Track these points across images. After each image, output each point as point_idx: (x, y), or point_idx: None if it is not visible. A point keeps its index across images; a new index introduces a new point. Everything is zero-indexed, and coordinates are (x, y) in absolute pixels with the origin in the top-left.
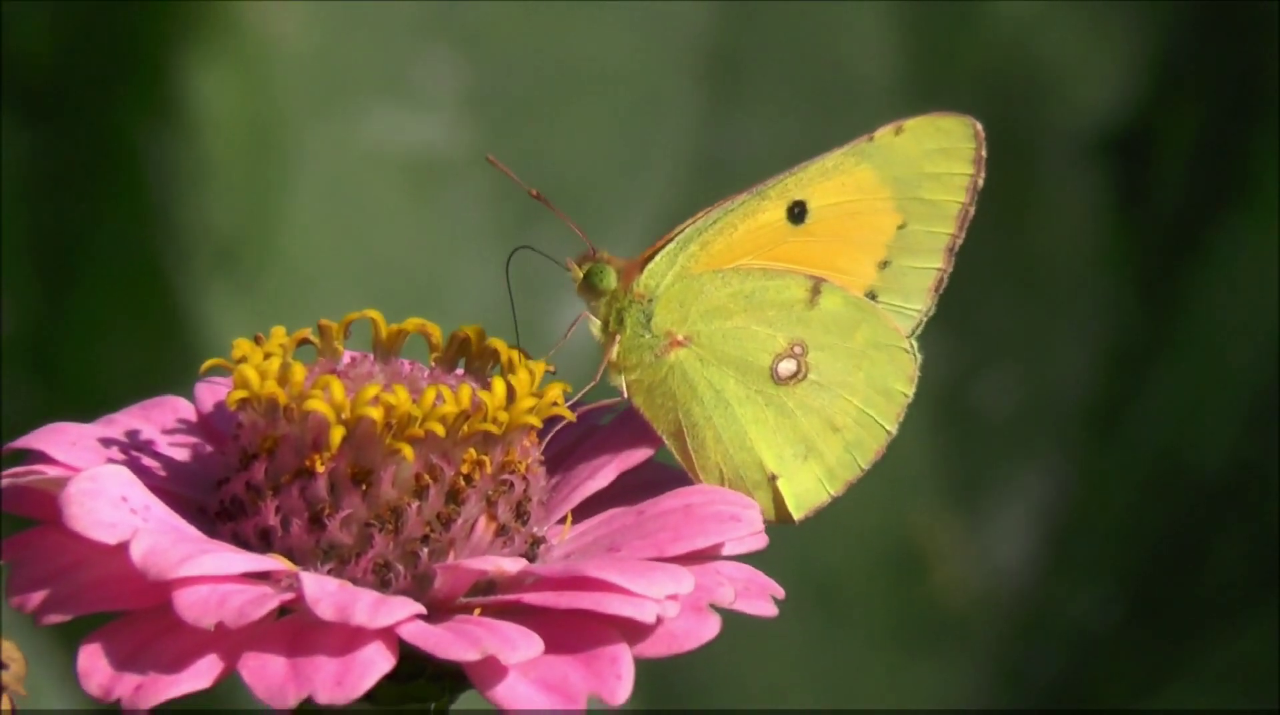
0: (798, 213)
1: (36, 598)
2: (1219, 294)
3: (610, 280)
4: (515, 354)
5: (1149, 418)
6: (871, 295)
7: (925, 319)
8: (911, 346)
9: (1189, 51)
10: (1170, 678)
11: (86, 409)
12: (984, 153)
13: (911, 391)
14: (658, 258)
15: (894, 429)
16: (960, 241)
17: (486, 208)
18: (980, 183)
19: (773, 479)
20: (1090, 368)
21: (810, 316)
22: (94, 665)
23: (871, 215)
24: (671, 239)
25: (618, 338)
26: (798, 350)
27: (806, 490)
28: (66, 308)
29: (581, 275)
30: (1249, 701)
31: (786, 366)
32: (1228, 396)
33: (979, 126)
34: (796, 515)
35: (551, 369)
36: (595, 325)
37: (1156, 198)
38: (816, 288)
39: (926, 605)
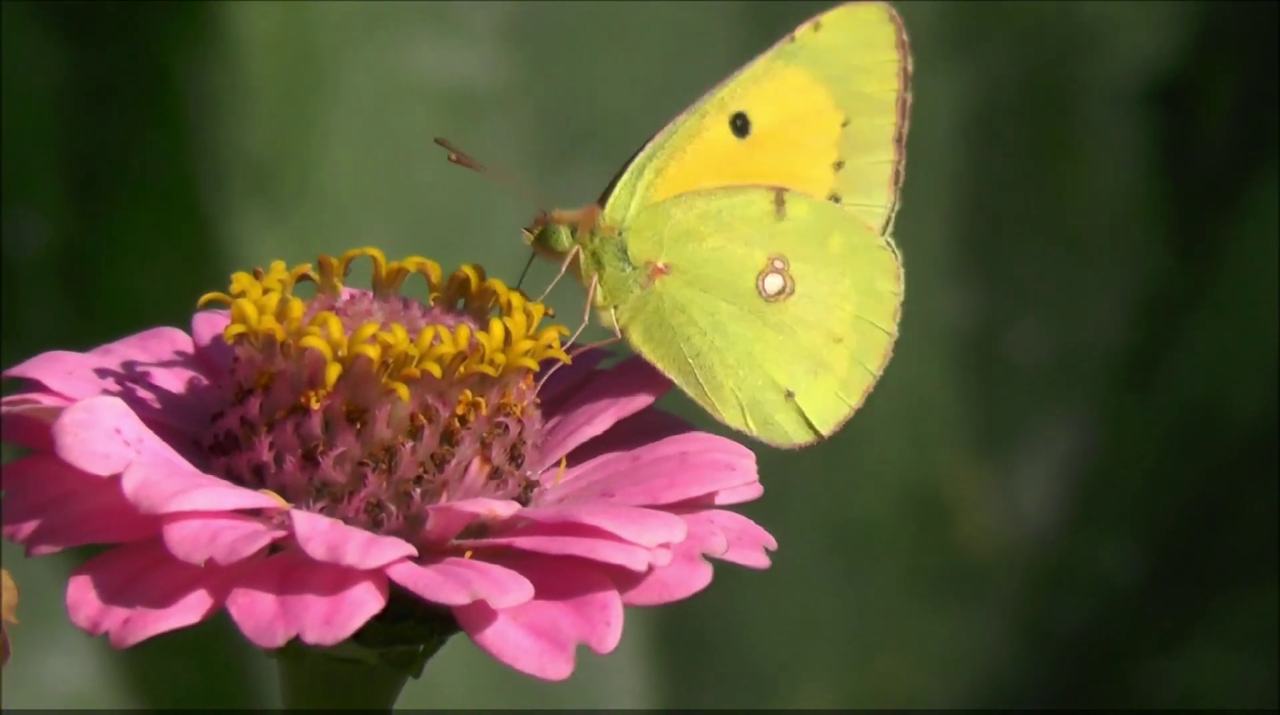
0: (740, 125)
1: (28, 528)
2: (1254, 249)
3: (562, 239)
4: (514, 296)
5: (1180, 371)
6: (834, 198)
7: (892, 214)
8: (889, 243)
9: (1232, 5)
10: (1194, 633)
11: (117, 329)
12: (905, 37)
13: (900, 289)
14: (616, 189)
15: (893, 329)
16: (906, 130)
17: (525, 141)
18: (910, 68)
19: (790, 396)
20: (1122, 320)
21: (782, 228)
22: (83, 597)
23: (814, 117)
24: (624, 171)
25: (598, 279)
26: (779, 265)
27: (826, 404)
28: (99, 227)
29: (534, 239)
30: (1273, 658)
31: (773, 282)
32: (1259, 352)
33: (894, 11)
34: (824, 430)
35: (550, 312)
36: (582, 263)
37: (1195, 151)
38: (780, 198)
39: (951, 554)
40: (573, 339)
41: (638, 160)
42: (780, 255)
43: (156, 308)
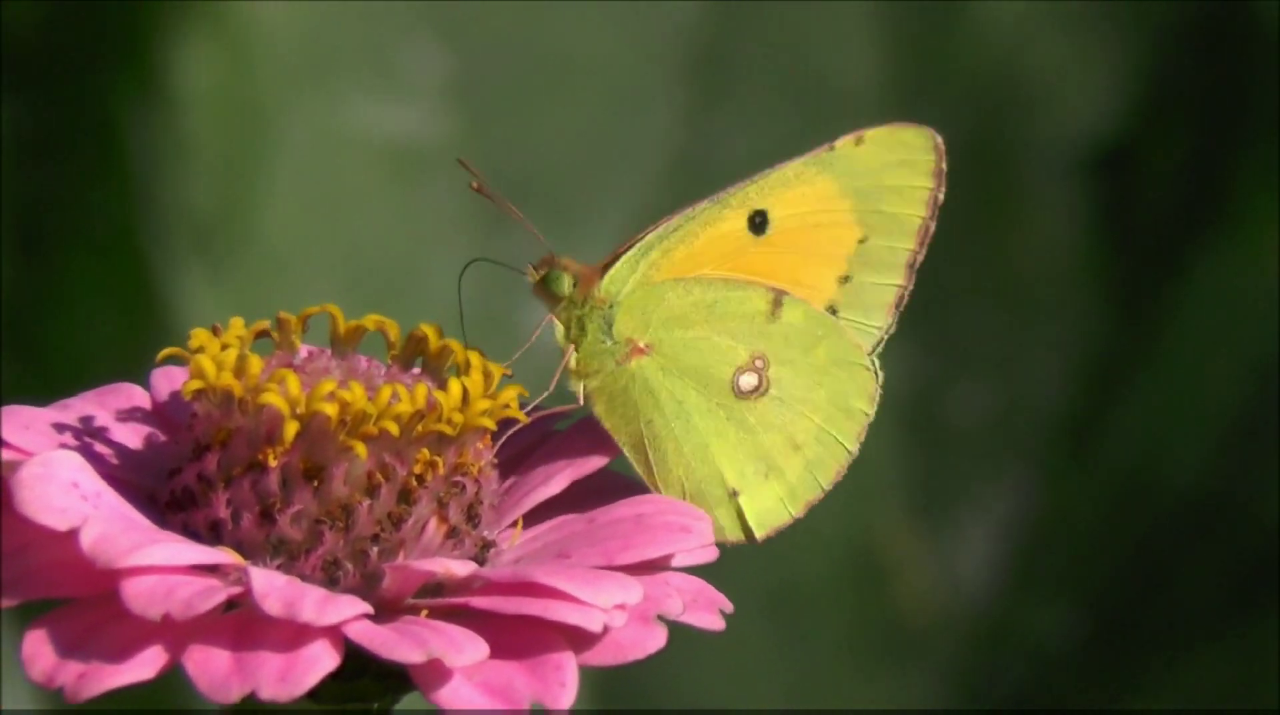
0: (759, 222)
1: None
2: (1196, 315)
3: (564, 286)
4: (472, 355)
5: (1120, 436)
6: (832, 310)
7: (885, 337)
8: (873, 364)
9: (1175, 70)
10: (1132, 697)
11: (58, 382)
12: (944, 166)
13: (873, 410)
14: (619, 263)
15: (855, 449)
16: (921, 258)
17: (464, 198)
18: (941, 197)
19: (734, 495)
20: (1063, 384)
21: (772, 330)
22: (39, 651)
23: (833, 228)
24: (633, 245)
25: (576, 345)
26: (759, 364)
27: (768, 509)
28: (42, 280)
29: (537, 279)
30: None
31: (748, 380)
32: (1200, 418)
33: (939, 139)
34: (759, 533)
35: (509, 372)
36: (559, 330)
37: (1138, 215)
38: (778, 301)
39: (889, 616)
40: (535, 403)
41: (648, 238)
42: (763, 355)
43: (99, 360)
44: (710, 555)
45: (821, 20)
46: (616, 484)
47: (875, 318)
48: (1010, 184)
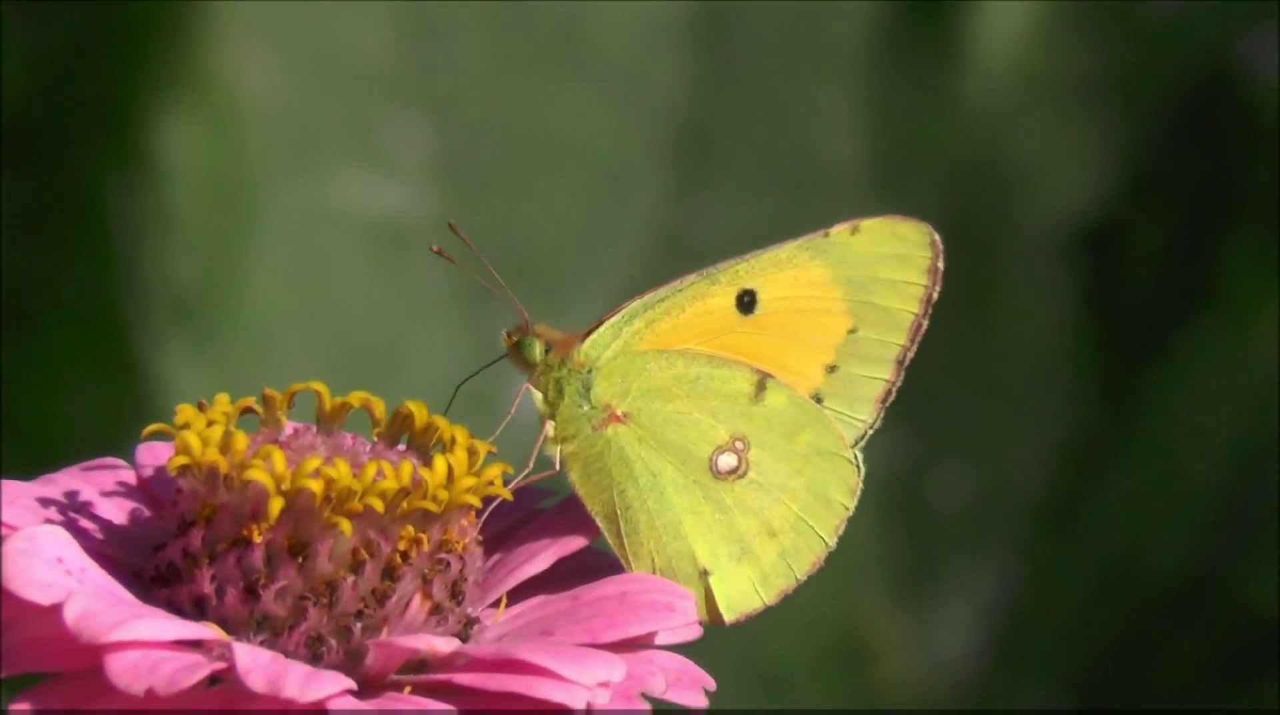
0: (747, 302)
1: None
2: (1180, 398)
3: (535, 352)
4: (458, 431)
5: (1103, 519)
6: (817, 398)
7: (870, 431)
8: (855, 457)
9: (1160, 154)
10: None
11: (38, 456)
12: (940, 265)
13: (852, 504)
14: (602, 328)
15: (832, 542)
16: (911, 355)
17: (448, 276)
18: (935, 295)
19: (704, 574)
20: (1046, 466)
21: (754, 412)
22: None
23: (821, 315)
24: (617, 312)
25: (554, 408)
26: (739, 445)
27: (739, 592)
28: (23, 353)
29: (510, 345)
30: None
31: (727, 461)
32: (1183, 500)
33: (936, 237)
34: (727, 617)
35: (494, 450)
36: (537, 397)
37: (1122, 299)
38: (762, 383)
39: (871, 698)
40: (519, 479)
41: (633, 306)
42: (743, 436)
43: (79, 434)
44: (694, 633)
45: (807, 101)
46: (601, 562)
47: (860, 411)
48: (994, 265)
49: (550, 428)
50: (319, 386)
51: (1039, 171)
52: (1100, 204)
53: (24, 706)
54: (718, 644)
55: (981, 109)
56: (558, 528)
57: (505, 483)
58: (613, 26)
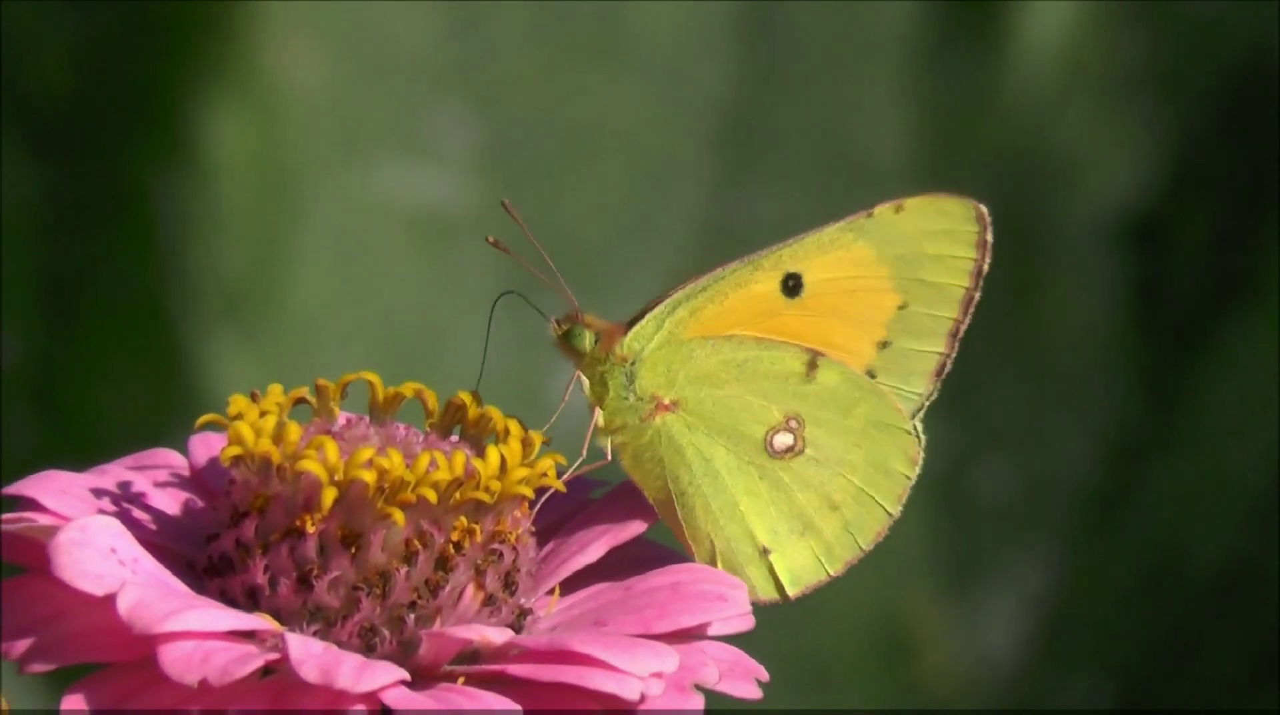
0: (792, 286)
1: (21, 646)
2: (1224, 390)
3: (585, 342)
4: (511, 423)
5: (1147, 511)
6: (871, 375)
7: (927, 403)
8: (914, 428)
9: (1206, 146)
10: None
11: (85, 448)
12: (989, 237)
13: (914, 473)
14: (644, 320)
15: (896, 510)
16: (965, 327)
17: (494, 267)
18: (985, 267)
19: (765, 553)
20: (1091, 458)
21: (807, 391)
22: None
23: (869, 293)
24: (659, 302)
25: (600, 401)
26: (794, 424)
27: (803, 567)
28: (70, 346)
29: (560, 334)
30: None
31: (782, 440)
32: (1227, 493)
33: (983, 209)
34: (792, 591)
35: (547, 440)
36: (586, 386)
37: (1166, 291)
38: (814, 362)
39: (915, 690)
40: (572, 470)
41: (676, 296)
42: (798, 415)
43: (125, 427)
44: (747, 624)
45: (852, 92)
46: (653, 552)
47: (916, 384)
48: (1038, 258)
49: (599, 417)
50: (372, 377)
51: (1083, 164)
52: (1144, 196)
53: (76, 697)
54: (763, 636)
55: (1026, 102)
56: (609, 518)
57: (558, 474)
58: (658, 18)
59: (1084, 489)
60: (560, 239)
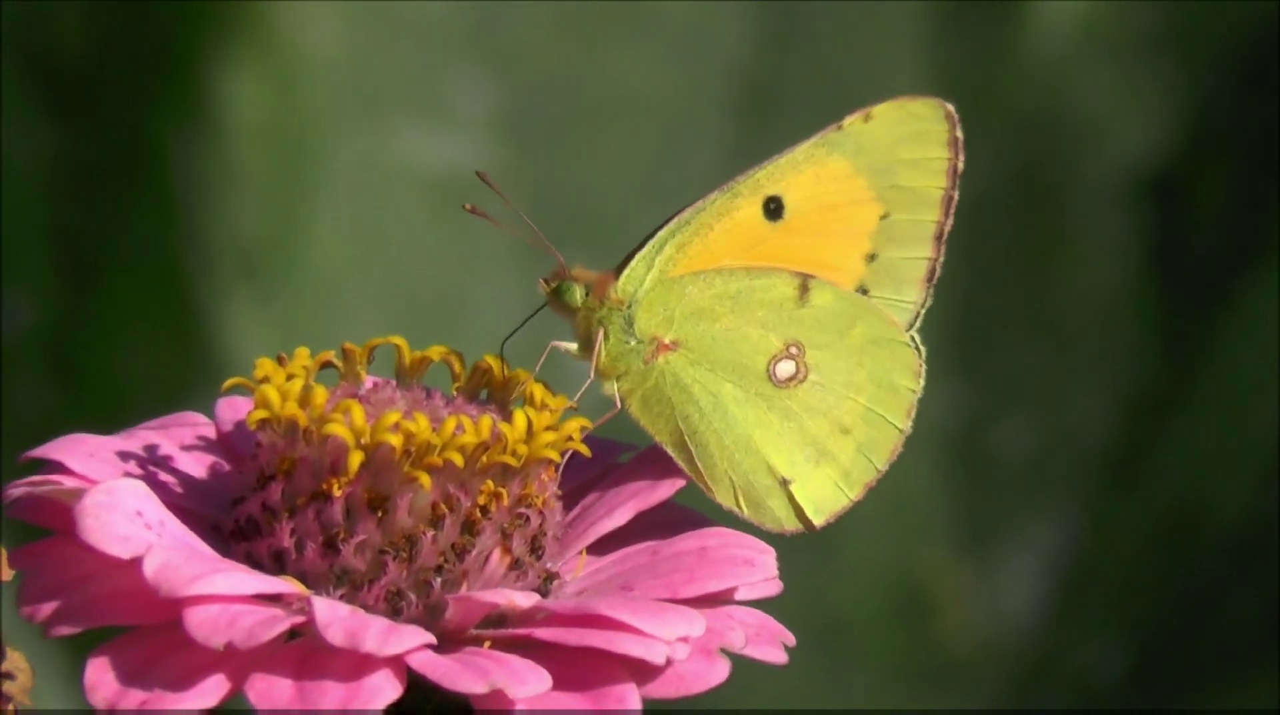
0: (774, 208)
1: (47, 609)
2: (1242, 348)
3: (575, 296)
4: (537, 387)
5: (1165, 469)
6: (863, 290)
7: (922, 311)
8: (913, 340)
9: (1224, 105)
10: None
11: (103, 411)
12: (959, 134)
13: (919, 386)
14: (634, 262)
15: (906, 426)
16: (948, 228)
17: (511, 230)
18: (960, 166)
19: (785, 483)
20: (1108, 417)
21: (802, 315)
22: (101, 679)
23: (850, 206)
24: (646, 243)
25: (601, 350)
26: (794, 351)
27: (824, 494)
28: (87, 308)
29: (549, 291)
30: None
31: (785, 368)
32: (1245, 451)
33: (950, 108)
34: (817, 520)
35: (574, 405)
36: (570, 346)
37: (1185, 249)
38: (805, 285)
39: (933, 649)
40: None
41: (660, 234)
42: (797, 341)
43: (143, 389)
44: (774, 589)
45: (869, 56)
46: (680, 517)
47: (908, 293)
48: (1057, 218)
49: (601, 356)
50: (399, 341)
51: (1102, 124)
52: (1162, 156)
53: (102, 660)
54: (782, 596)
55: (1044, 62)
56: (636, 482)
57: (584, 437)
58: None
59: (1102, 448)
60: (577, 201)
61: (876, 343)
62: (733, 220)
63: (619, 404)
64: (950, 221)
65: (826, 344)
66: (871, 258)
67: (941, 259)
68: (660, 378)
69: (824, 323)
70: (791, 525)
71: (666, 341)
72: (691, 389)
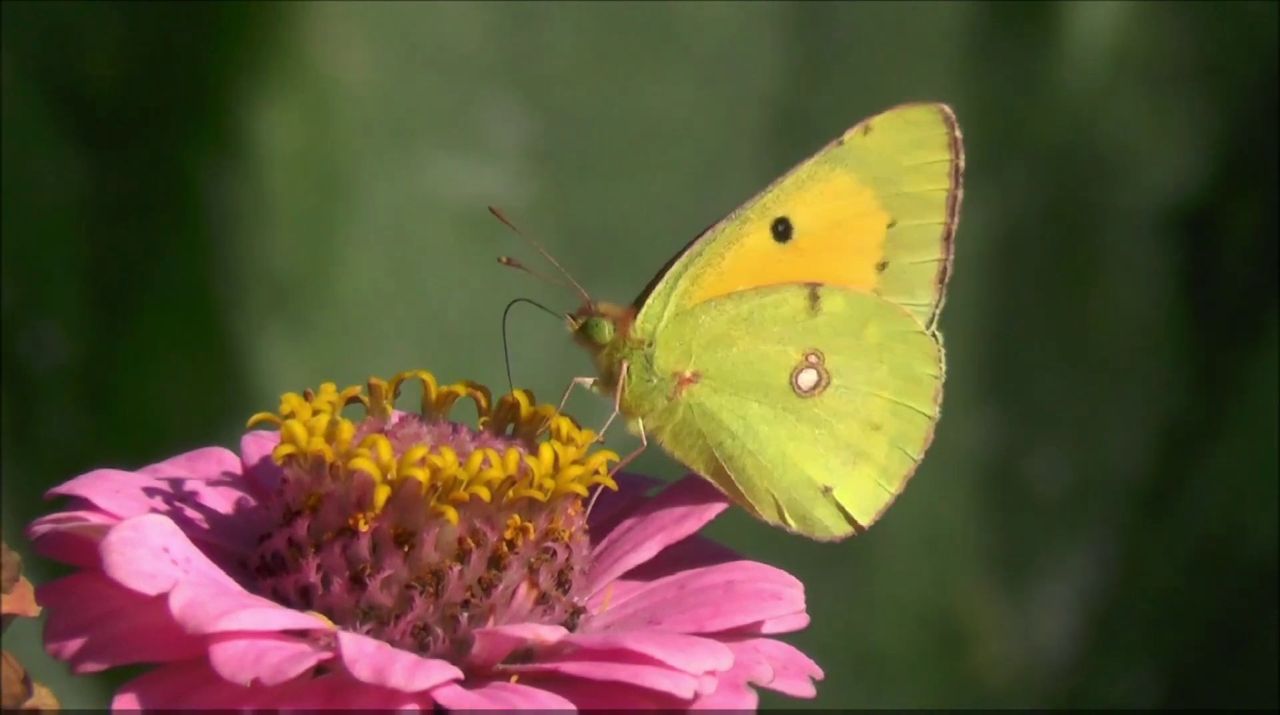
0: (782, 230)
1: (73, 645)
2: (1276, 379)
3: (604, 333)
4: (563, 421)
5: (1199, 500)
6: None
7: (937, 312)
8: (929, 331)
9: (1255, 136)
10: None
11: (135, 442)
12: (959, 134)
13: (941, 372)
14: (650, 300)
15: (934, 412)
16: (955, 227)
17: (543, 261)
18: (961, 164)
19: (827, 491)
20: (1143, 449)
21: (816, 323)
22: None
23: (858, 219)
24: (660, 278)
25: (624, 387)
26: (813, 359)
27: (865, 493)
28: (120, 341)
29: (577, 328)
30: None
31: (806, 377)
32: (1278, 482)
33: (947, 109)
34: (864, 521)
35: (600, 439)
36: (591, 382)
37: (1218, 281)
38: (814, 293)
39: (968, 682)
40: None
41: (674, 268)
42: (815, 350)
43: (175, 422)
44: (801, 622)
45: (902, 86)
46: (708, 550)
47: (922, 296)
48: (1090, 248)
49: (624, 403)
50: (425, 376)
51: (1134, 155)
52: (1194, 187)
53: (128, 697)
54: (815, 628)
55: (1077, 93)
56: (663, 516)
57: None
58: (709, 12)
59: (1136, 480)
60: (610, 232)
61: (892, 337)
62: (743, 247)
63: (645, 441)
64: (957, 221)
65: (844, 347)
66: (883, 266)
67: (951, 258)
68: (687, 412)
69: (839, 327)
70: (841, 531)
71: (687, 375)
72: (720, 417)
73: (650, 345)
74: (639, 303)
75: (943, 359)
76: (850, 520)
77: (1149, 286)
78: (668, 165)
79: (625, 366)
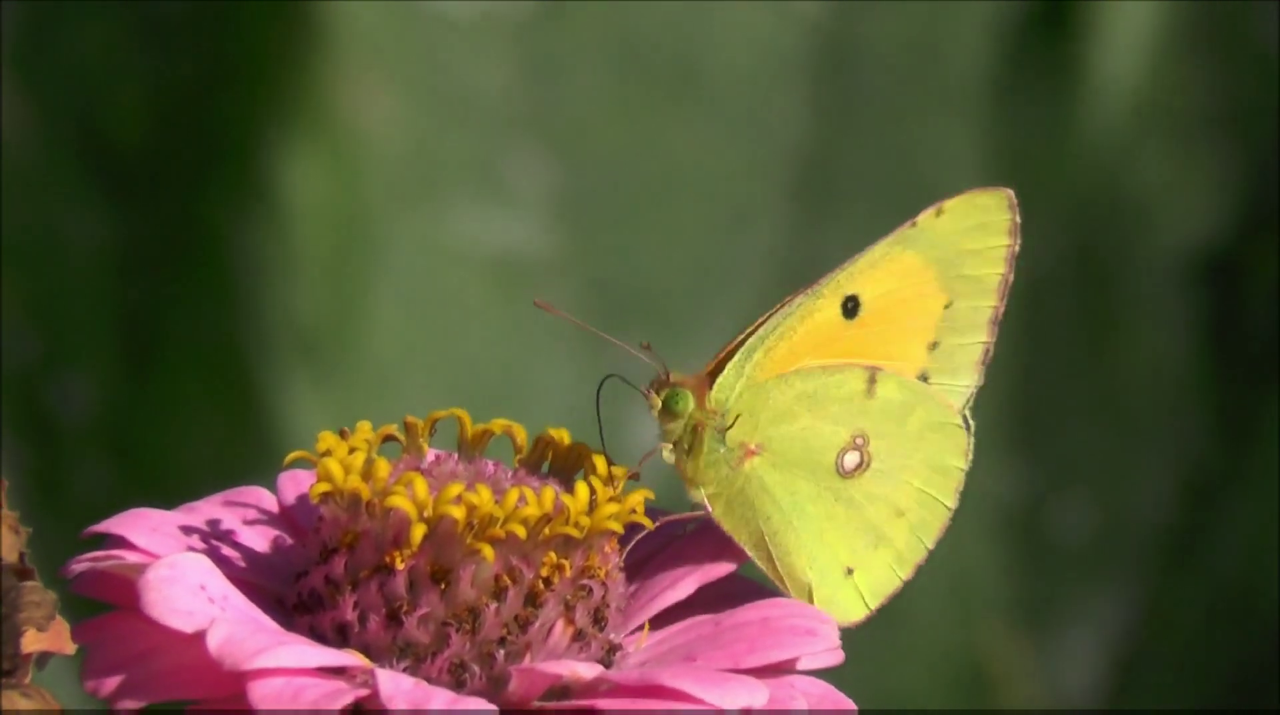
0: (851, 307)
1: (111, 683)
2: None
3: (688, 403)
4: (599, 459)
5: (1223, 550)
6: (923, 377)
7: (974, 394)
8: (964, 420)
9: (1278, 184)
10: None
11: (162, 492)
12: (1019, 219)
13: (966, 464)
14: (726, 371)
15: (953, 504)
16: (1002, 311)
17: (571, 311)
18: (1017, 249)
19: (850, 573)
20: (1167, 497)
21: (870, 406)
22: None
23: (919, 299)
24: (736, 349)
25: (691, 456)
26: (859, 442)
27: (880, 578)
28: (146, 391)
29: (660, 402)
30: None
31: (850, 459)
32: None
33: (1012, 196)
34: (872, 604)
35: (635, 475)
36: (666, 450)
37: (1242, 329)
38: (873, 377)
39: None
40: (672, 518)
41: (750, 342)
42: (863, 432)
43: (202, 471)
44: (836, 659)
45: (927, 134)
46: (744, 588)
47: (964, 377)
48: (1114, 297)
49: (689, 470)
50: (461, 413)
51: (1158, 203)
52: (1218, 235)
53: None
54: (841, 673)
55: (1099, 142)
56: (699, 554)
57: (647, 509)
58: (733, 61)
59: (1161, 527)
60: (636, 281)
61: (932, 427)
62: (814, 321)
63: (709, 508)
64: (1003, 305)
65: (889, 432)
66: (934, 346)
67: (994, 341)
68: (746, 482)
69: (888, 412)
70: (857, 615)
71: (752, 446)
72: (774, 491)
73: (723, 416)
74: (712, 373)
75: (970, 450)
76: (865, 603)
77: (1173, 335)
78: (692, 215)
79: (698, 435)
